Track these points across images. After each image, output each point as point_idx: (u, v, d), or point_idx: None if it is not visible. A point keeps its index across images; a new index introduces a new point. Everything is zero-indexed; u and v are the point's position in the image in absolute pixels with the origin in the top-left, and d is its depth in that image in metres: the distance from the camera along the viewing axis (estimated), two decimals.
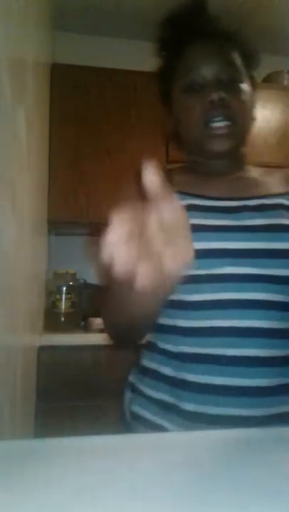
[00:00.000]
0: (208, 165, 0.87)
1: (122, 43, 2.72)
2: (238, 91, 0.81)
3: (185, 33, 0.83)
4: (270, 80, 2.77)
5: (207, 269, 0.73)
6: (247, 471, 0.38)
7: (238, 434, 0.47)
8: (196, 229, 0.72)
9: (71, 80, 2.31)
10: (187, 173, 0.89)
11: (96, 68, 2.37)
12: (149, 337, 0.84)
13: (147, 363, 0.82)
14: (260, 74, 2.78)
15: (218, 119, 0.79)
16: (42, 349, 1.88)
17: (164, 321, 0.79)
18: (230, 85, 0.80)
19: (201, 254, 0.72)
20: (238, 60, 0.83)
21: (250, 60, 0.86)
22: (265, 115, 2.64)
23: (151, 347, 0.82)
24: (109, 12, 2.50)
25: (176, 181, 0.86)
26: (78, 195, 2.24)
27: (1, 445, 0.43)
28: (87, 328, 2.14)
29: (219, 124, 0.79)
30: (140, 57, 2.58)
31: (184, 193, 0.80)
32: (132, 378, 0.86)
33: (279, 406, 0.72)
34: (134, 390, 0.83)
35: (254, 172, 0.89)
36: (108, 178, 2.20)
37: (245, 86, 0.82)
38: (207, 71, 0.81)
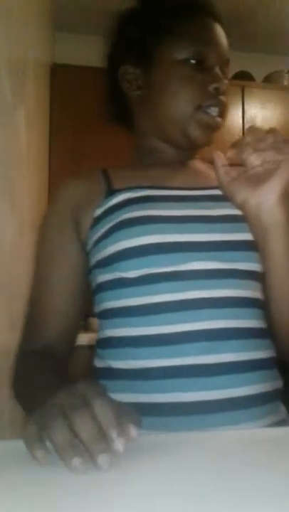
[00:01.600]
0: (169, 152, 0.77)
1: None
2: (227, 87, 0.73)
3: (195, 4, 0.74)
4: (270, 80, 2.78)
5: (171, 266, 0.64)
6: (246, 471, 0.38)
7: (238, 434, 0.47)
8: (154, 220, 0.65)
9: (71, 80, 2.31)
10: (128, 165, 0.80)
11: (96, 68, 2.36)
12: (97, 359, 0.71)
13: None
14: (260, 74, 2.78)
15: (215, 110, 0.71)
16: None
17: (117, 332, 0.67)
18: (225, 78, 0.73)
19: (163, 249, 0.65)
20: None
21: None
22: (265, 115, 2.64)
23: (104, 372, 0.68)
24: (109, 12, 2.50)
25: (115, 177, 0.75)
26: None
27: (1, 445, 0.43)
28: (87, 328, 2.14)
29: (214, 117, 0.71)
30: None
31: (135, 188, 0.70)
32: None
33: (268, 417, 0.63)
34: None
35: (199, 163, 0.81)
36: None
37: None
38: (221, 51, 0.73)
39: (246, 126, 2.61)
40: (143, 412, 0.59)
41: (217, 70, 0.72)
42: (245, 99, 2.62)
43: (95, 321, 2.23)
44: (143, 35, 0.75)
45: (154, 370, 0.63)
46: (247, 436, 0.46)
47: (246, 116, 2.61)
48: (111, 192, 0.71)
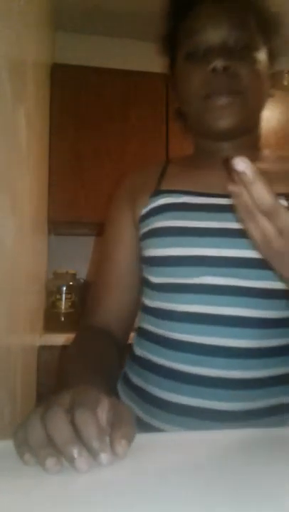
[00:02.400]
0: (214, 149, 0.75)
1: (122, 43, 2.72)
2: (250, 59, 0.69)
3: None
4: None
5: (184, 278, 0.67)
6: (247, 471, 0.38)
7: (238, 434, 0.47)
8: (177, 233, 0.68)
9: (71, 80, 2.31)
10: (186, 164, 0.79)
11: (96, 68, 2.37)
12: (136, 347, 0.78)
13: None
14: None
15: (221, 90, 0.67)
16: (42, 349, 1.89)
17: (146, 327, 0.74)
18: (240, 52, 0.68)
19: (179, 262, 0.67)
20: (251, 23, 0.70)
21: (267, 25, 0.73)
22: (265, 115, 2.64)
23: (141, 362, 0.75)
24: (109, 12, 2.50)
25: (168, 175, 0.77)
26: (78, 195, 2.24)
27: (1, 445, 0.43)
28: None
29: (221, 98, 0.68)
30: (140, 57, 2.59)
31: (175, 192, 0.72)
32: (125, 367, 0.79)
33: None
34: (126, 380, 0.76)
35: (269, 161, 0.76)
36: (108, 177, 2.20)
37: (259, 54, 0.70)
38: (212, 35, 0.68)
39: None
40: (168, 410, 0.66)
41: (214, 51, 0.68)
42: None
43: None
44: (165, 34, 0.78)
45: (179, 373, 0.66)
46: (247, 436, 0.46)
47: None
48: (156, 192, 0.74)
